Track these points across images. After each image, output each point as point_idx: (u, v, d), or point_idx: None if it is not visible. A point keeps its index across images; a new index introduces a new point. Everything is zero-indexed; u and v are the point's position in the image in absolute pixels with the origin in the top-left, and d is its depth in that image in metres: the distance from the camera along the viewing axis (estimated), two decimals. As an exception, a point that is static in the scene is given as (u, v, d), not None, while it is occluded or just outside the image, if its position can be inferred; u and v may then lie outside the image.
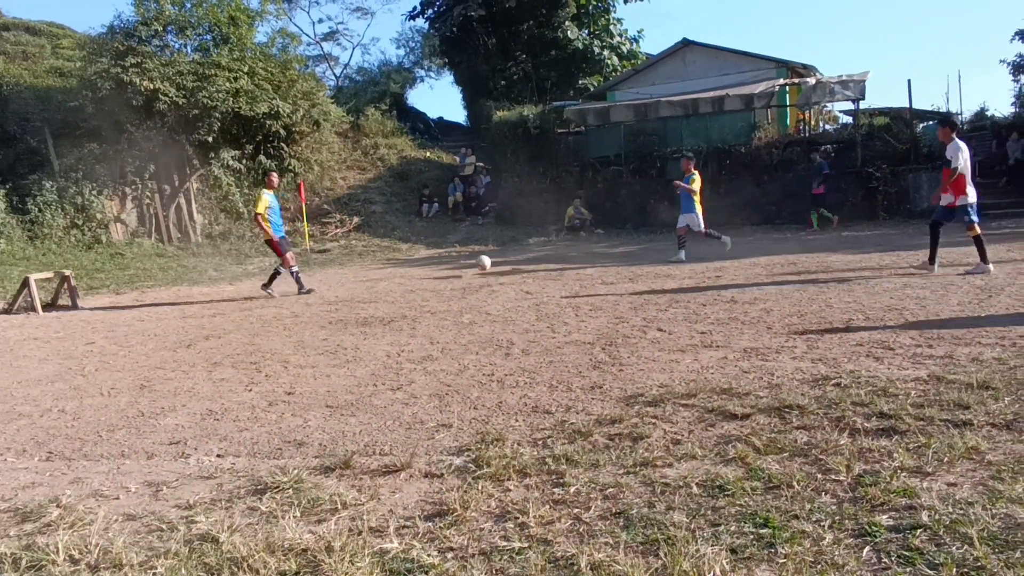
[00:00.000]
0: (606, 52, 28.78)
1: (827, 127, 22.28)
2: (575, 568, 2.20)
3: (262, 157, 20.10)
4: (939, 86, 49.51)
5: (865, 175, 17.35)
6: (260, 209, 10.61)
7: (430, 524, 2.63)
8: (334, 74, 35.62)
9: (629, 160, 20.78)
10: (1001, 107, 39.32)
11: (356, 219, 20.50)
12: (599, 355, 5.44)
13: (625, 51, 29.78)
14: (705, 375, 4.58)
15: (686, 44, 22.76)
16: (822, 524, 2.40)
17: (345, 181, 22.39)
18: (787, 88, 20.20)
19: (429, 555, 2.36)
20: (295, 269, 10.78)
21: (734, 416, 3.67)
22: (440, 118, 33.23)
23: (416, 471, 3.19)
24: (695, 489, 2.78)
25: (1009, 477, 2.65)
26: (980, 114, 21.72)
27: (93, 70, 17.60)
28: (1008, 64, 21.22)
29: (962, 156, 8.40)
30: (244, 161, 19.80)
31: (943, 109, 21.58)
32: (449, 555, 2.38)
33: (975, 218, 8.52)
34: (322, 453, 3.55)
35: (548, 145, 22.00)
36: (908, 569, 2.07)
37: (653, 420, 3.71)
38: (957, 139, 8.51)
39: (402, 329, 7.11)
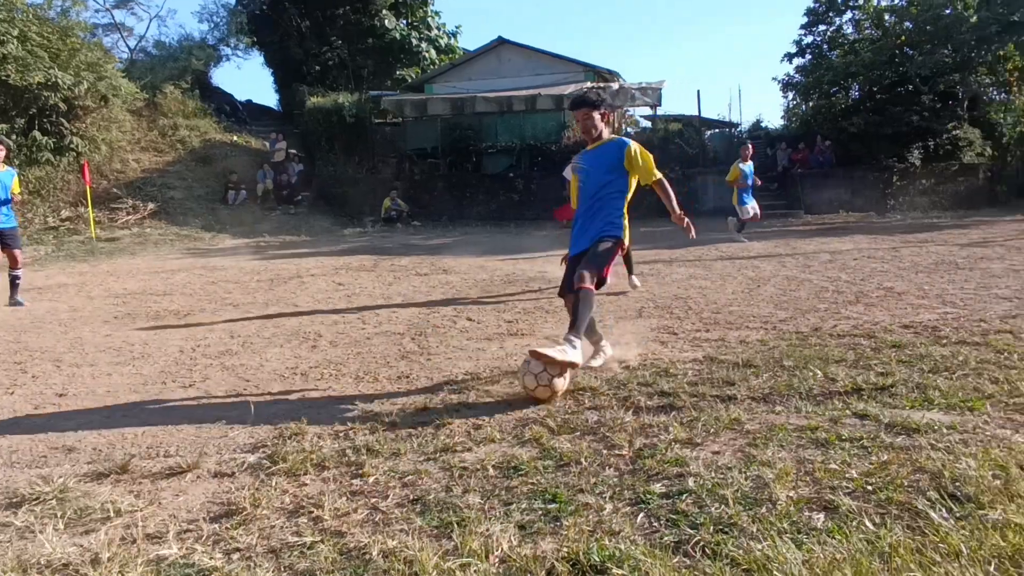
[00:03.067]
0: (424, 44, 28.68)
1: (628, 130, 23.82)
2: (367, 558, 2.19)
3: (36, 133, 17.84)
4: (724, 98, 54.74)
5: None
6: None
7: (216, 526, 2.49)
8: (127, 46, 32.32)
9: (446, 153, 20.94)
10: (774, 120, 44.35)
11: (151, 205, 18.81)
12: (408, 345, 5.44)
13: (443, 45, 29.87)
14: (509, 362, 4.73)
15: (501, 42, 23.28)
16: (604, 496, 2.57)
17: (139, 164, 20.46)
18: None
19: (212, 558, 2.23)
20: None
21: (532, 399, 3.83)
22: (249, 101, 31.28)
23: (204, 472, 3.00)
24: (491, 471, 2.86)
25: (762, 443, 3.00)
26: (756, 125, 24.28)
27: None
28: (779, 82, 23.91)
29: None
30: (15, 137, 17.45)
31: (727, 119, 23.88)
32: (235, 556, 2.26)
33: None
34: (96, 458, 3.23)
35: (365, 135, 21.58)
36: (674, 530, 2.27)
37: (457, 406, 3.77)
38: None
39: (200, 323, 6.65)
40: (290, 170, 21.60)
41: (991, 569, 1.78)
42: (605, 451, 3.02)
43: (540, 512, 2.46)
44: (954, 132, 19.40)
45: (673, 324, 5.74)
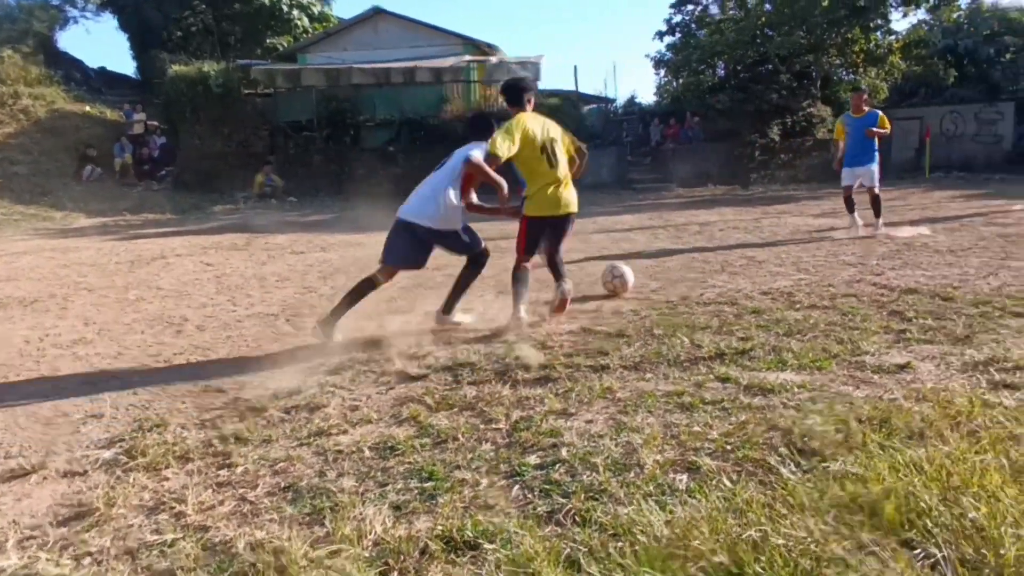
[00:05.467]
0: (296, 12, 27.43)
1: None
2: (233, 551, 2.10)
3: None
4: (600, 74, 56.01)
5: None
6: None
7: (64, 530, 2.31)
8: (-47, 5, 29.00)
9: (322, 126, 20.22)
10: (648, 96, 45.89)
11: (-9, 182, 17.11)
12: (283, 327, 5.25)
13: (316, 13, 28.70)
14: (389, 339, 4.66)
15: (377, 12, 22.63)
16: (480, 471, 2.59)
17: (-27, 136, 18.52)
18: (473, 65, 21.20)
19: (59, 565, 2.07)
20: None
21: (412, 378, 3.80)
22: (102, 68, 28.88)
23: (52, 472, 2.77)
24: (367, 453, 2.81)
25: (632, 410, 3.11)
26: (631, 101, 25.07)
27: None
28: (651, 59, 24.72)
29: None
30: None
31: (604, 94, 24.47)
32: (86, 561, 2.11)
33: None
34: (-78, 465, 2.91)
35: (234, 106, 20.46)
36: (547, 500, 2.32)
37: (333, 388, 3.68)
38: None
39: (49, 310, 6.12)
40: (151, 143, 20.23)
41: (830, 518, 1.93)
42: (483, 426, 3.04)
43: (416, 491, 2.45)
44: (809, 110, 20.77)
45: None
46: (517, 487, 2.45)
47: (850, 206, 8.83)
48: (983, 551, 1.69)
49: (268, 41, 26.63)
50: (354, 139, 20.22)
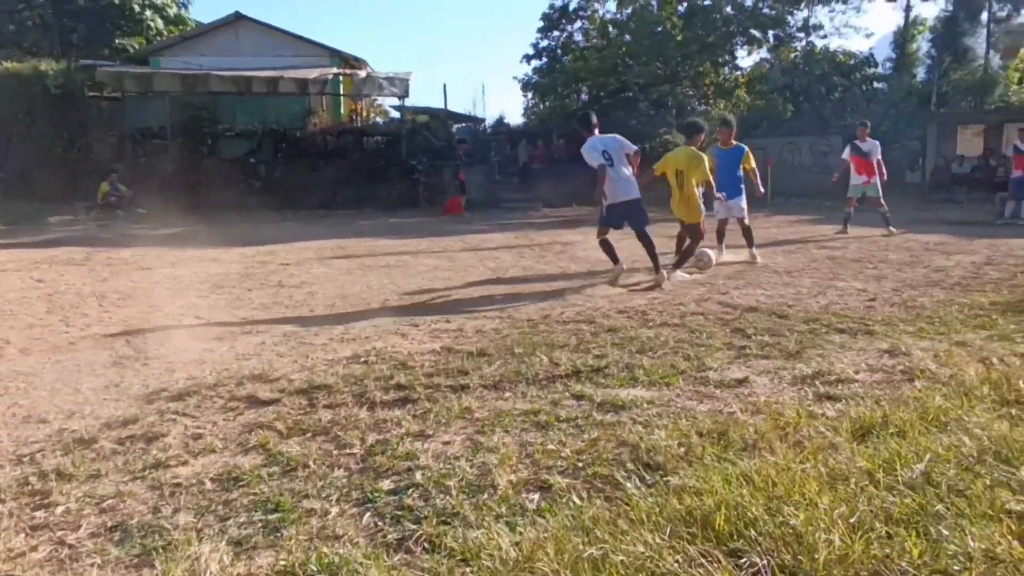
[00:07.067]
0: (149, 12, 25.88)
1: (378, 120, 23.67)
2: (44, 602, 1.90)
3: None
4: (469, 94, 56.68)
5: (409, 167, 18.95)
6: None
7: None
8: None
9: (176, 134, 19.10)
10: (516, 117, 46.92)
11: None
12: (122, 349, 4.87)
13: (171, 15, 27.20)
14: (240, 363, 4.44)
15: (239, 18, 21.73)
16: (330, 499, 2.50)
17: None
18: (340, 77, 20.82)
19: None
20: None
21: (263, 402, 3.62)
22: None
23: None
24: (209, 485, 2.65)
25: (489, 430, 3.12)
26: (500, 121, 25.53)
27: None
28: (519, 81, 25.31)
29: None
30: None
31: (473, 113, 24.78)
32: None
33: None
34: None
35: (76, 109, 18.96)
36: (398, 527, 2.27)
37: (174, 416, 3.44)
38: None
39: None
40: (-24, 146, 18.28)
41: (667, 532, 2.02)
42: (336, 451, 2.95)
43: (260, 524, 2.33)
44: (665, 136, 21.96)
45: (415, 315, 5.79)
46: (368, 514, 2.38)
47: (721, 239, 9.03)
48: (800, 557, 1.83)
49: (117, 42, 24.93)
50: (211, 149, 19.25)
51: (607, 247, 7.14)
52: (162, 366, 4.40)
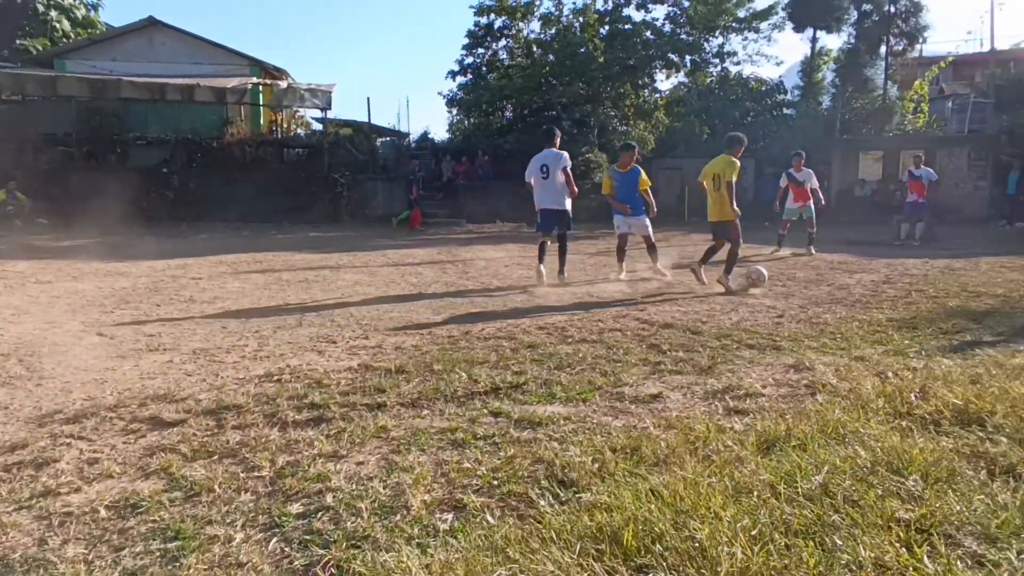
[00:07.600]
0: (54, 13, 24.70)
1: (300, 131, 23.21)
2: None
3: None
4: (393, 108, 56.44)
5: (331, 180, 18.64)
6: None
7: None
8: None
9: (83, 141, 18.21)
10: (441, 132, 46.89)
11: None
12: (14, 368, 4.57)
13: (79, 16, 26.03)
14: (144, 382, 4.23)
15: (153, 23, 21.02)
16: (235, 525, 2.40)
17: None
18: (260, 87, 20.35)
19: None
20: None
21: (167, 424, 3.46)
22: None
23: None
24: (103, 513, 2.50)
25: (405, 449, 3.08)
26: (424, 136, 25.46)
27: None
28: (444, 97, 25.35)
29: None
30: None
31: (397, 127, 24.62)
32: None
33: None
34: None
35: (-31, 111, 17.81)
36: (305, 552, 2.20)
37: (69, 440, 3.25)
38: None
39: None
40: None
41: (578, 548, 2.03)
42: (243, 474, 2.84)
43: (157, 553, 2.21)
44: (587, 155, 22.40)
45: (333, 332, 5.68)
46: (275, 540, 2.30)
47: (621, 256, 9.35)
48: (703, 571, 1.87)
49: (19, 42, 23.63)
50: (121, 157, 18.43)
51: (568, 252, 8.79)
52: (57, 386, 4.16)
